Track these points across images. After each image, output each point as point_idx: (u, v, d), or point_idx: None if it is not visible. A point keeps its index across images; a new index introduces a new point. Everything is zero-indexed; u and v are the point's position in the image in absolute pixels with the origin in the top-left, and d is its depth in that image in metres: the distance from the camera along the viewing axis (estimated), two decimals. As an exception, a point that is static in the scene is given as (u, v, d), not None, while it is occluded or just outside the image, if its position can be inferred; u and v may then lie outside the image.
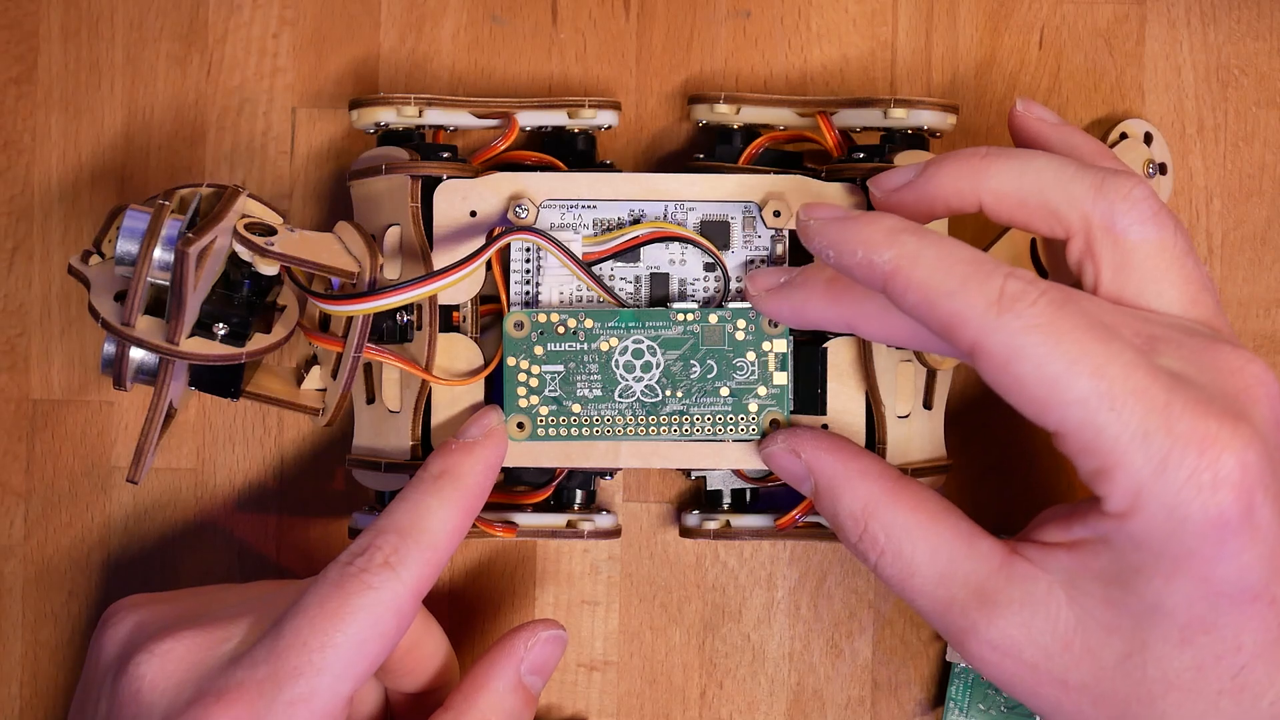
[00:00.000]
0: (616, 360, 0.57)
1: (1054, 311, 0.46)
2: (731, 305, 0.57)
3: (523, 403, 0.57)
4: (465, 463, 0.55)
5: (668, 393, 0.57)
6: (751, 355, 0.57)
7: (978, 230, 0.58)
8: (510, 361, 0.57)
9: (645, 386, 0.57)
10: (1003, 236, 0.59)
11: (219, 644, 0.52)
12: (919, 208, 0.52)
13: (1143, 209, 0.50)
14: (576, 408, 0.57)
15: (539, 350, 0.57)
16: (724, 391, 0.57)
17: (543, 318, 0.57)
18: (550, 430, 0.57)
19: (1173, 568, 0.46)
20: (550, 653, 0.57)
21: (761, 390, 0.57)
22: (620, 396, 0.57)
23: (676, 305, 0.57)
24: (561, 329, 0.57)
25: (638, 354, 0.57)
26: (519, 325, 0.57)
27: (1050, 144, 0.54)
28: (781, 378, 0.57)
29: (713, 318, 0.57)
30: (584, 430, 0.57)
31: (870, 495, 0.52)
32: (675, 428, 0.57)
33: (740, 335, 0.57)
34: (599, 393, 0.57)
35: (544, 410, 0.57)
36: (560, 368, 0.57)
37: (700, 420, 0.57)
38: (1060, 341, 0.46)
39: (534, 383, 0.57)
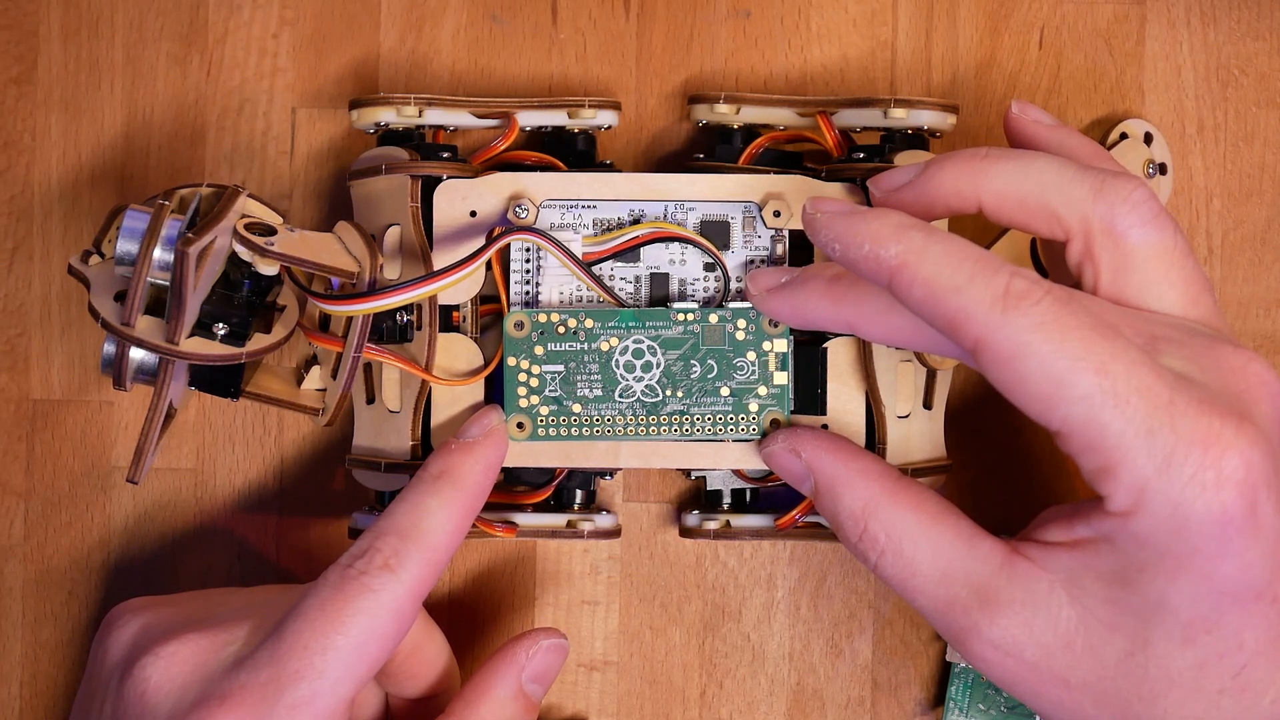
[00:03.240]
0: (617, 360, 0.57)
1: (1059, 309, 0.46)
2: (732, 305, 0.57)
3: (523, 402, 0.57)
4: (465, 463, 0.55)
5: (668, 393, 0.57)
6: (752, 355, 0.57)
7: (978, 231, 0.58)
8: (511, 361, 0.57)
9: (646, 386, 0.57)
10: (1003, 236, 0.59)
11: (223, 647, 0.52)
12: (919, 208, 0.52)
13: (1143, 211, 0.50)
14: (577, 408, 0.57)
15: (539, 350, 0.57)
16: (724, 391, 0.57)
17: (543, 318, 0.57)
18: (550, 430, 0.57)
19: (1176, 566, 0.46)
20: (552, 661, 0.57)
21: (762, 390, 0.57)
22: (621, 396, 0.57)
23: (677, 305, 0.57)
24: (562, 329, 0.57)
25: (638, 354, 0.57)
26: (519, 325, 0.57)
27: (1046, 146, 0.55)
28: (782, 378, 0.57)
29: (713, 317, 0.57)
30: (584, 430, 0.57)
31: (870, 495, 0.52)
32: (675, 428, 0.57)
33: (741, 335, 0.57)
34: (599, 393, 0.57)
35: (544, 410, 0.57)
36: (560, 368, 0.57)
37: (700, 420, 0.57)
38: (1065, 339, 0.46)
39: (534, 383, 0.57)
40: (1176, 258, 0.50)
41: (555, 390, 0.57)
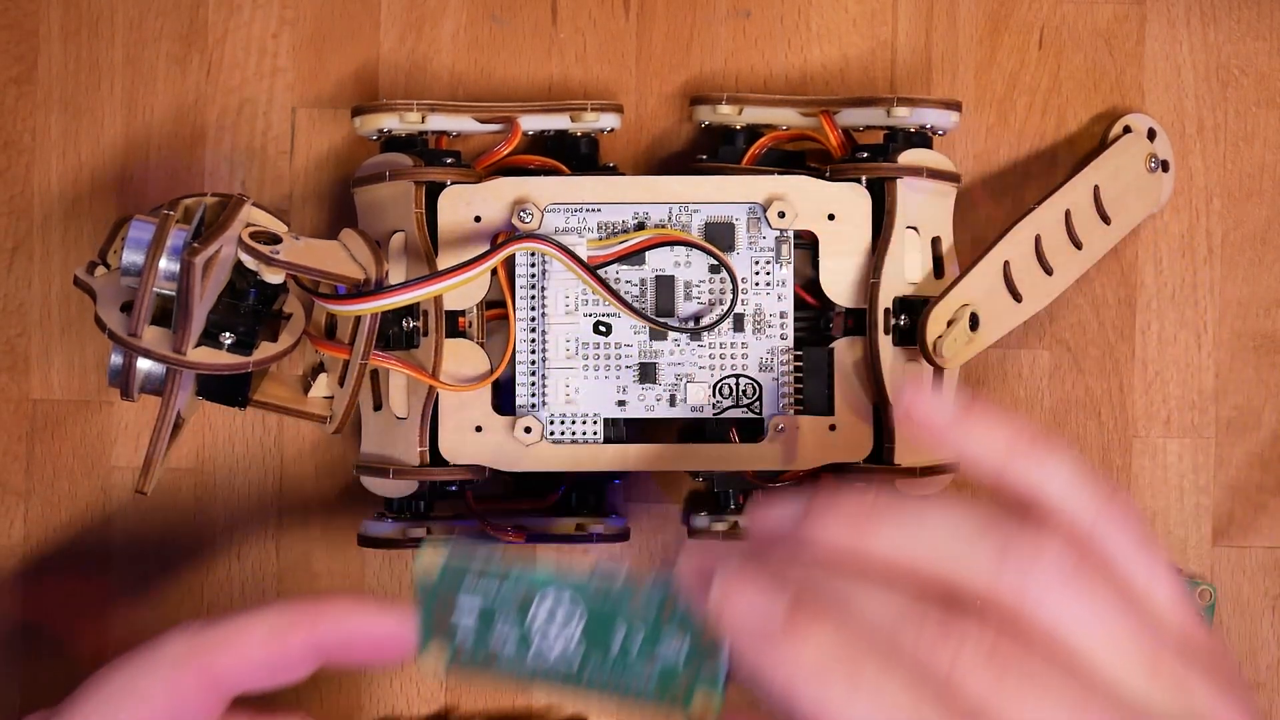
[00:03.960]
0: (535, 614, 0.44)
1: None
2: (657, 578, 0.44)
3: (440, 634, 0.45)
4: (325, 605, 0.49)
5: (591, 656, 0.45)
6: (683, 634, 0.43)
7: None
8: (422, 588, 0.45)
9: (564, 647, 0.45)
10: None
11: None
12: (798, 560, 0.41)
13: (1061, 568, 0.40)
14: (495, 653, 0.45)
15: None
16: (649, 669, 0.44)
17: (457, 562, 0.45)
18: (468, 667, 0.45)
19: None
20: None
21: (691, 672, 0.43)
22: (537, 655, 0.45)
23: (600, 570, 0.45)
24: (480, 570, 0.45)
25: (554, 613, 0.44)
26: (432, 555, 0.45)
27: (959, 450, 0.44)
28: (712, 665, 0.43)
29: (638, 589, 0.44)
30: (506, 671, 0.45)
31: None
32: (598, 697, 0.45)
33: (667, 613, 0.43)
34: (517, 644, 0.45)
35: (464, 646, 0.45)
36: (478, 599, 0.45)
37: (625, 696, 0.44)
38: None
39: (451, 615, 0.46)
40: (1109, 613, 0.40)
41: (472, 631, 0.45)
